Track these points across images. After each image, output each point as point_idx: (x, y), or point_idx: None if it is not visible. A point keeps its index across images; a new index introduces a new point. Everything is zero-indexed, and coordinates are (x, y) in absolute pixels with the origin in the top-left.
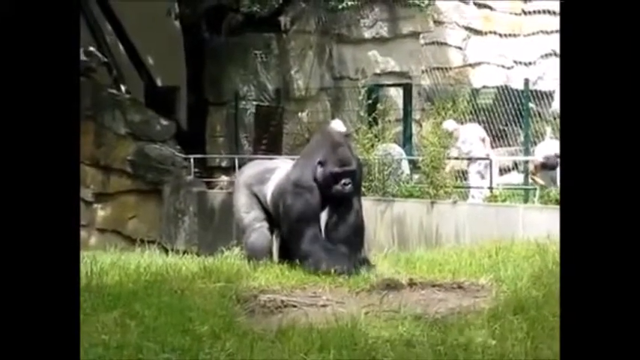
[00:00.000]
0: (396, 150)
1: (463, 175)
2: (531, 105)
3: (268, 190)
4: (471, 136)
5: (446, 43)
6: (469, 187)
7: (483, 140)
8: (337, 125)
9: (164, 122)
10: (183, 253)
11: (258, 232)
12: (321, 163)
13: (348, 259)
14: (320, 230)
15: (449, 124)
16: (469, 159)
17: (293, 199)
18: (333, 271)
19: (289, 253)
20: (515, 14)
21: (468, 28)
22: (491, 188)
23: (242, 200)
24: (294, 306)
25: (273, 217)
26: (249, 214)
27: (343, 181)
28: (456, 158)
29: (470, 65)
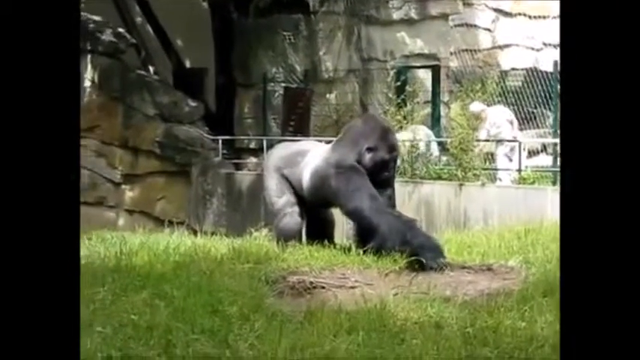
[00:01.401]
0: (424, 131)
1: (491, 157)
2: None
3: (303, 174)
4: (499, 119)
5: (475, 25)
6: (498, 170)
7: (511, 122)
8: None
9: (192, 103)
10: (212, 234)
11: (290, 216)
12: (370, 149)
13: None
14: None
15: (475, 106)
16: (498, 141)
17: (337, 180)
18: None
19: (362, 238)
20: None
21: (497, 10)
22: (519, 170)
23: (273, 184)
24: (323, 287)
25: (308, 201)
26: (280, 198)
27: (391, 166)
28: (486, 140)
29: (499, 47)
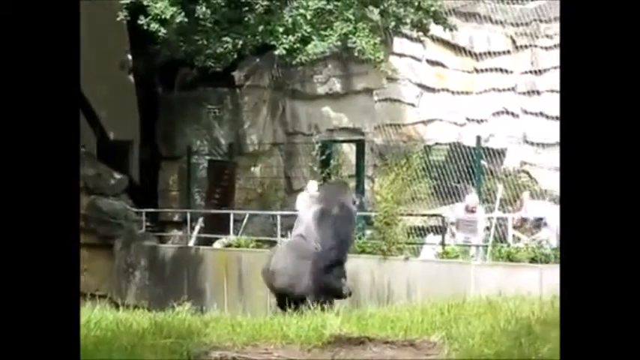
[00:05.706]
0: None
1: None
2: (483, 162)
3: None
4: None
5: (399, 100)
6: (422, 244)
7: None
8: (312, 187)
9: (117, 176)
10: (134, 307)
11: None
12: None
13: None
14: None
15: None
16: (430, 215)
17: (340, 214)
18: None
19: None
20: (468, 72)
21: (420, 85)
22: (443, 244)
23: None
24: None
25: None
26: None
27: None
28: (409, 214)
29: (422, 122)
